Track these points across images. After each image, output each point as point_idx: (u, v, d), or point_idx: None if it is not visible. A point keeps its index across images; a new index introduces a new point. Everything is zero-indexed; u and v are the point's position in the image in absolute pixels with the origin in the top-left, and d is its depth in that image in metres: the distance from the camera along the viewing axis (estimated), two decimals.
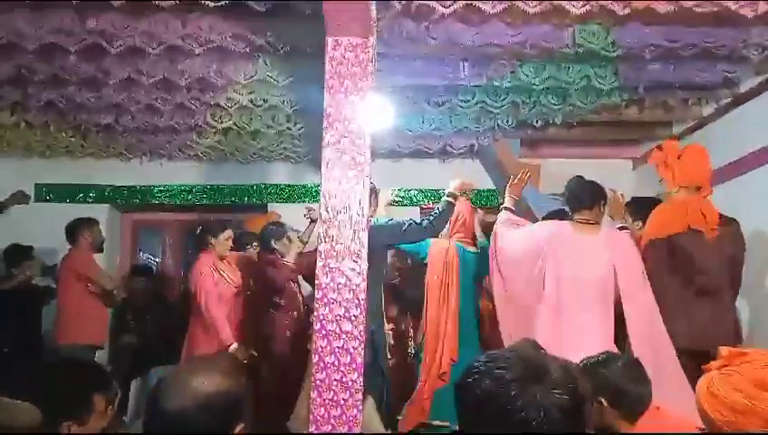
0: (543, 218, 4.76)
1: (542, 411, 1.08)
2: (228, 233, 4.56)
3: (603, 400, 2.26)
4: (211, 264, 4.47)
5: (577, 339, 3.13)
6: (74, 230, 5.02)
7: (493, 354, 1.20)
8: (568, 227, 3.49)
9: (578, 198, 3.52)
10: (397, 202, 6.05)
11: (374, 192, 3.73)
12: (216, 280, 4.44)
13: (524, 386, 1.10)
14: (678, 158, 3.51)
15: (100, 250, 5.17)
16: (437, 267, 4.27)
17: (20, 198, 5.09)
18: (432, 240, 4.26)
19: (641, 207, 3.90)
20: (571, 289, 3.32)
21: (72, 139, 5.41)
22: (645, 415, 2.30)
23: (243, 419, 1.39)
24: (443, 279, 4.25)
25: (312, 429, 2.72)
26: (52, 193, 6.06)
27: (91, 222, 5.10)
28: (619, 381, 2.30)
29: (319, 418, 2.70)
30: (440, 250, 4.31)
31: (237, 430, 1.37)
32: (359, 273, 2.77)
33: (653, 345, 3.15)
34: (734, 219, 3.52)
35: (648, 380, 2.35)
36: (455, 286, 4.24)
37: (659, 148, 3.65)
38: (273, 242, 4.64)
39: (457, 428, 1.22)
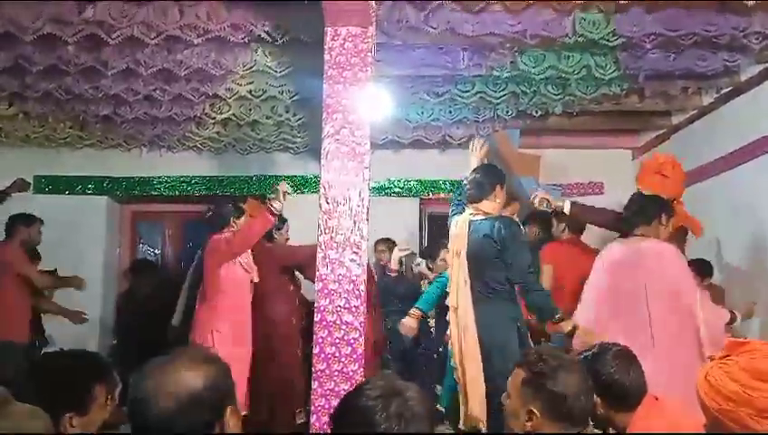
0: (526, 218, 4.77)
1: (404, 421, 1.34)
2: (243, 220, 4.20)
3: (596, 395, 2.24)
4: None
5: None
6: (13, 224, 4.73)
7: (362, 382, 1.53)
8: (616, 245, 3.46)
9: (636, 213, 3.44)
10: (396, 193, 6.06)
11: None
12: (230, 265, 4.07)
13: (387, 401, 1.36)
14: (673, 168, 3.65)
15: (31, 252, 4.87)
16: None
17: (20, 185, 5.05)
18: None
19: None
20: (611, 300, 3.32)
21: (71, 129, 5.40)
22: (642, 406, 2.30)
23: (231, 402, 1.39)
24: None
25: (312, 419, 2.73)
26: (50, 185, 6.05)
27: (31, 219, 4.82)
28: (610, 372, 2.29)
29: (319, 408, 2.71)
30: None
31: (227, 413, 1.37)
32: (359, 264, 2.78)
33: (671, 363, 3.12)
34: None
35: (640, 369, 2.34)
36: None
37: (649, 161, 3.80)
38: (273, 232, 4.62)
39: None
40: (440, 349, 4.59)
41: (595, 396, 2.23)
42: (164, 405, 1.30)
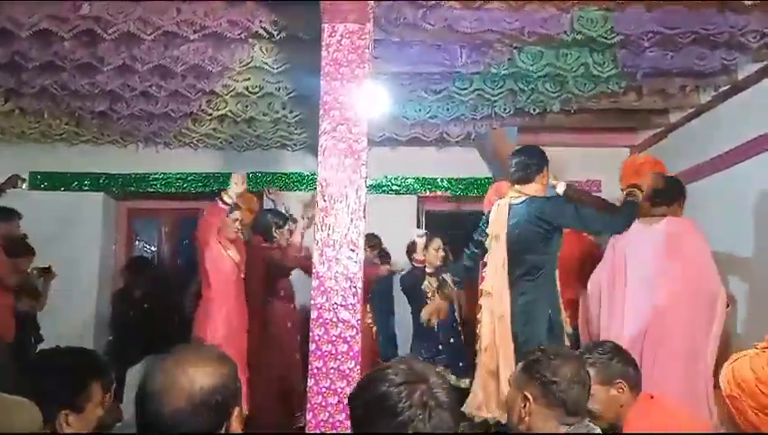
0: None
1: (428, 409, 1.28)
2: (236, 214, 4.28)
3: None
4: (217, 240, 4.16)
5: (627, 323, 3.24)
6: None
7: (384, 365, 1.40)
8: (636, 225, 3.46)
9: (658, 194, 3.47)
10: (393, 190, 6.05)
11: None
12: (218, 259, 4.13)
13: (411, 387, 1.30)
14: (651, 168, 3.71)
15: (24, 247, 4.82)
16: None
17: (15, 181, 5.04)
18: None
19: None
20: (631, 278, 3.35)
21: (67, 126, 5.38)
22: (637, 403, 2.31)
23: (238, 403, 1.38)
24: None
25: (308, 416, 2.73)
26: (46, 181, 6.03)
27: (11, 215, 4.76)
28: (602, 360, 2.31)
29: (316, 406, 2.71)
30: None
31: (234, 415, 1.36)
32: (356, 261, 2.77)
33: (653, 340, 3.16)
34: None
35: (635, 363, 2.36)
36: None
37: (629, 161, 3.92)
38: (273, 230, 4.60)
39: None
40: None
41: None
42: (176, 403, 1.28)
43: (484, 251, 3.62)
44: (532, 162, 3.52)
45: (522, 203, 3.47)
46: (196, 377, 1.31)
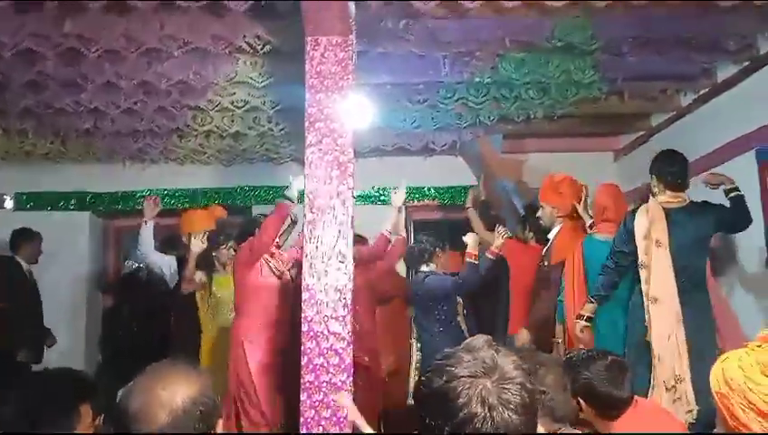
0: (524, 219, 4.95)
1: (487, 407, 1.10)
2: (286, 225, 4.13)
3: (581, 399, 2.29)
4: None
5: None
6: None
7: (448, 352, 1.22)
8: None
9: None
10: (381, 201, 6.04)
11: None
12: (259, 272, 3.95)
13: (472, 381, 1.12)
14: (568, 186, 4.21)
15: None
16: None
17: (0, 201, 5.02)
18: None
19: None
20: None
21: (52, 144, 5.33)
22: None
23: (220, 415, 1.39)
24: None
25: (302, 430, 2.71)
26: (32, 201, 5.98)
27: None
28: (597, 382, 2.30)
29: (309, 420, 2.70)
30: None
31: (218, 426, 1.37)
32: (345, 273, 2.77)
33: None
34: None
35: (627, 383, 2.35)
36: None
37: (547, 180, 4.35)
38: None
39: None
40: None
41: (581, 401, 2.27)
42: (159, 419, 1.28)
43: (630, 261, 3.53)
44: (687, 168, 3.57)
45: (686, 208, 3.46)
46: (176, 390, 1.31)
